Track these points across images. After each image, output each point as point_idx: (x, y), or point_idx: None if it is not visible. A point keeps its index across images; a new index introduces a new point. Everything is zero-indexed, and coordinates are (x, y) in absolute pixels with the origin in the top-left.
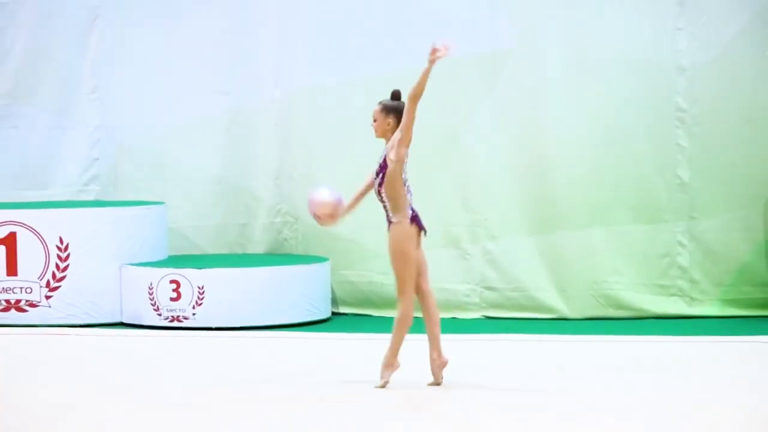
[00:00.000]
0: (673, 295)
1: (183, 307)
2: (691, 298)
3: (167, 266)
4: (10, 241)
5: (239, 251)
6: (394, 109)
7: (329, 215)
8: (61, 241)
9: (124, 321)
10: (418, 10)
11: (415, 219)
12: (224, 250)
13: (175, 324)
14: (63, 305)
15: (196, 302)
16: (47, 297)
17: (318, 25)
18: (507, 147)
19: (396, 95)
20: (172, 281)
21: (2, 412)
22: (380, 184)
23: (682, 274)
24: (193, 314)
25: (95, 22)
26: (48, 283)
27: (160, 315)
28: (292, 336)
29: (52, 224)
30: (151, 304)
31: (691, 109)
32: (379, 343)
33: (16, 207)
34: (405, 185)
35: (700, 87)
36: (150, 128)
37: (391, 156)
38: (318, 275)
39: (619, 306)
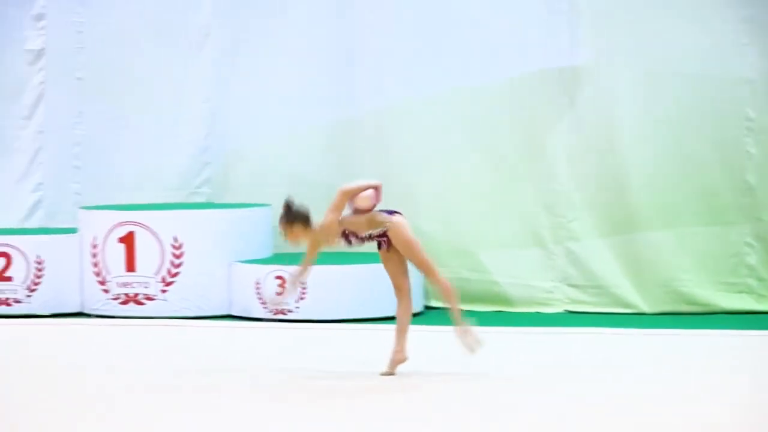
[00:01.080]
0: (741, 292)
1: (287, 301)
2: (759, 294)
3: (272, 263)
4: (129, 239)
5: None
6: (294, 217)
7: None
8: (176, 240)
9: (233, 314)
10: (502, 26)
11: (394, 212)
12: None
13: (280, 317)
14: (177, 299)
15: (299, 296)
16: (163, 291)
17: (413, 37)
18: (586, 156)
19: (287, 205)
20: (277, 277)
21: (131, 392)
22: (353, 241)
23: (750, 272)
24: (297, 307)
25: (208, 38)
26: (163, 279)
27: (265, 308)
28: (386, 328)
29: (168, 224)
30: (258, 298)
31: (759, 119)
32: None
33: (135, 209)
34: (358, 212)
35: (766, 98)
36: (257, 136)
37: (328, 224)
38: (410, 272)
39: (692, 302)
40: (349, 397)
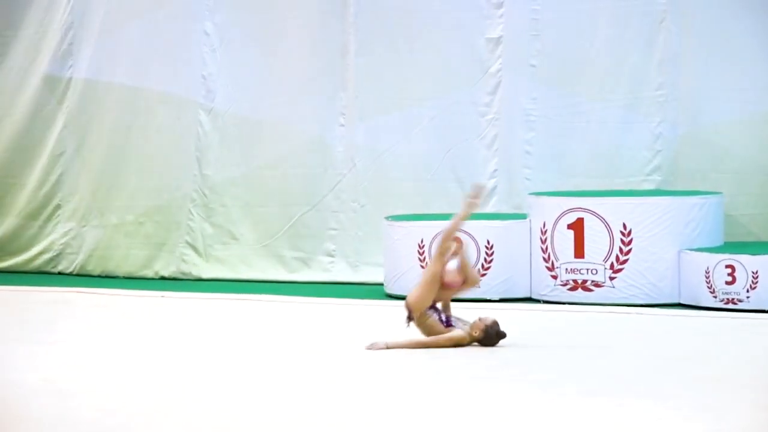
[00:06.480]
0: None
1: (737, 290)
2: None
3: (723, 252)
4: (579, 226)
5: None
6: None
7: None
8: (625, 227)
9: (682, 302)
10: None
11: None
12: None
13: (730, 306)
14: (625, 286)
15: (750, 286)
16: (611, 278)
17: None
18: None
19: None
20: (727, 266)
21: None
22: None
23: None
24: (747, 297)
25: (662, 24)
26: (612, 266)
27: (715, 297)
28: None
29: (617, 211)
30: (708, 287)
31: None
32: None
33: (585, 195)
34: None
35: None
36: (710, 122)
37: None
38: None
39: None
40: None
